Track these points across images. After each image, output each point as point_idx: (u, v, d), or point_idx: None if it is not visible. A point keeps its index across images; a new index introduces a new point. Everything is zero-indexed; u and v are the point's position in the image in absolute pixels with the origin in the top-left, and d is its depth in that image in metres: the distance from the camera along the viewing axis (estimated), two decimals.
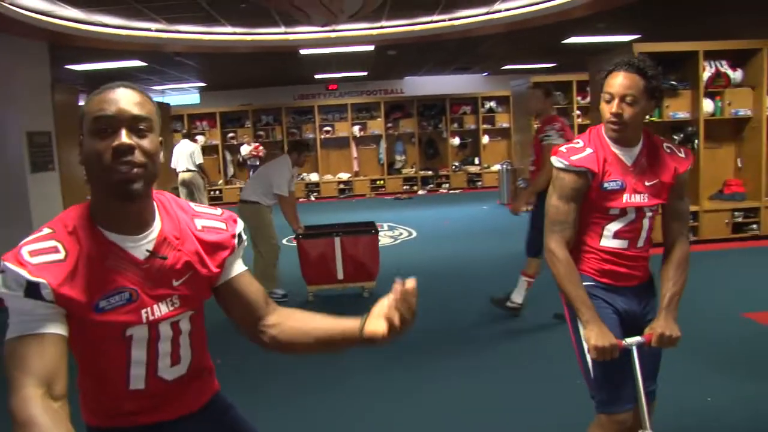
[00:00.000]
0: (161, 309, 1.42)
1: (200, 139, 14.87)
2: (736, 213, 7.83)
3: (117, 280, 1.34)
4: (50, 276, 1.24)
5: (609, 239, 2.35)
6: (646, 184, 2.31)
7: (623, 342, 2.21)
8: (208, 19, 7.74)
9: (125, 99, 1.32)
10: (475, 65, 14.17)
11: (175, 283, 1.44)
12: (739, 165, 8.05)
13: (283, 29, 8.58)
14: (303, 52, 9.82)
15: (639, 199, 2.30)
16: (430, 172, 16.06)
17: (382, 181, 15.95)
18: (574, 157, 2.30)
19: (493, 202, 12.85)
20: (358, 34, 8.95)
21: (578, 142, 2.36)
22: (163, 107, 12.21)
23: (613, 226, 2.34)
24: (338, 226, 6.44)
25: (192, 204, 1.56)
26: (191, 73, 12.16)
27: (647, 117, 2.36)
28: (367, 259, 6.14)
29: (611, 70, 2.26)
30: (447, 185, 15.89)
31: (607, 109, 2.25)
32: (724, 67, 7.66)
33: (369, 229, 6.24)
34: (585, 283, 2.33)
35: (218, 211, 1.58)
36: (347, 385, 4.10)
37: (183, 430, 1.56)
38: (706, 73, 7.59)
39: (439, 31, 8.80)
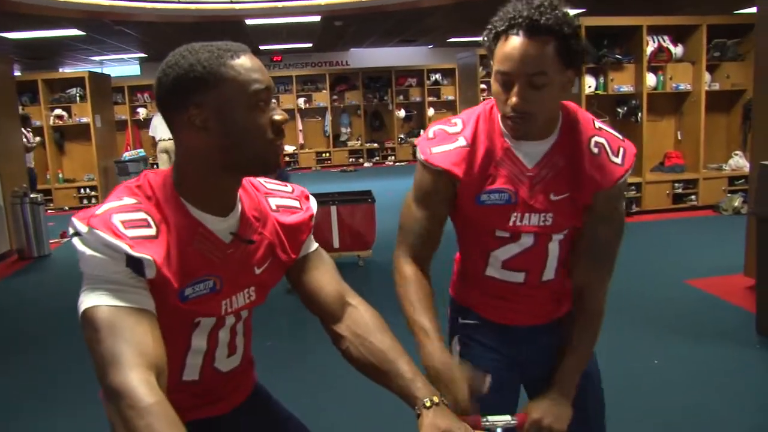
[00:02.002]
0: (238, 301, 1.31)
1: (142, 111, 14.52)
2: (676, 184, 8.09)
3: (203, 266, 1.22)
4: (152, 252, 1.11)
5: (496, 269, 1.62)
6: (552, 198, 1.51)
7: (482, 420, 1.44)
8: None
9: (264, 70, 1.20)
10: (421, 37, 14.15)
11: (257, 271, 1.33)
12: (679, 138, 8.30)
13: None
14: (249, 22, 9.62)
15: (536, 221, 1.53)
16: (375, 145, 16.06)
17: (327, 154, 15.87)
18: (435, 149, 1.52)
19: None
20: (305, 4, 8.83)
21: (455, 123, 1.56)
22: (103, 78, 11.84)
23: (501, 254, 1.59)
24: (335, 194, 6.39)
25: (262, 180, 1.42)
26: (132, 43, 11.78)
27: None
28: (364, 228, 6.14)
29: (502, 30, 1.38)
30: (393, 157, 15.92)
31: (503, 97, 1.42)
32: (666, 42, 7.84)
33: (365, 197, 6.23)
34: (467, 321, 1.72)
35: (288, 187, 1.44)
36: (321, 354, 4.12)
37: (233, 424, 1.47)
38: (649, 47, 7.76)
39: (387, 2, 8.74)
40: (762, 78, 4.98)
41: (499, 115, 1.49)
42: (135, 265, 1.09)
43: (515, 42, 1.36)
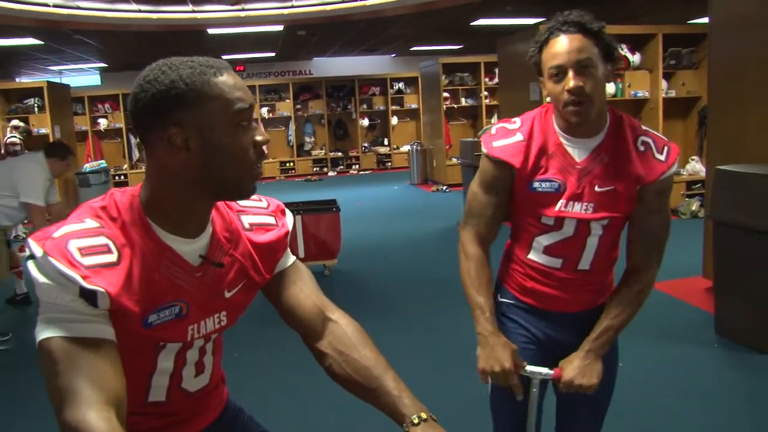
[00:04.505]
0: (207, 326, 1.27)
1: (103, 122, 14.31)
2: None
3: (170, 292, 1.17)
4: (107, 283, 1.05)
5: (537, 253, 1.83)
6: (597, 190, 1.71)
7: (523, 368, 1.75)
8: None
9: (246, 88, 1.16)
10: (384, 46, 14.21)
11: (228, 294, 1.28)
12: None
13: (190, 7, 8.33)
14: (211, 31, 9.57)
15: (579, 208, 1.72)
16: (339, 154, 16.06)
17: (291, 163, 15.81)
18: (496, 143, 1.77)
19: (403, 183, 12.98)
20: (268, 13, 8.81)
21: (514, 122, 1.80)
22: (62, 88, 11.64)
23: (544, 239, 1.80)
24: (300, 204, 6.31)
25: None
26: (92, 52, 11.61)
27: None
28: (329, 237, 6.10)
29: (546, 37, 1.65)
30: (357, 166, 15.93)
31: (559, 88, 1.63)
32: (625, 51, 8.00)
33: (330, 207, 6.18)
34: (503, 300, 1.93)
35: (263, 202, 1.38)
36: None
37: None
38: None
39: (351, 11, 8.78)
40: (715, 85, 5.11)
41: (560, 108, 1.67)
42: (88, 296, 1.04)
43: (561, 40, 1.62)
